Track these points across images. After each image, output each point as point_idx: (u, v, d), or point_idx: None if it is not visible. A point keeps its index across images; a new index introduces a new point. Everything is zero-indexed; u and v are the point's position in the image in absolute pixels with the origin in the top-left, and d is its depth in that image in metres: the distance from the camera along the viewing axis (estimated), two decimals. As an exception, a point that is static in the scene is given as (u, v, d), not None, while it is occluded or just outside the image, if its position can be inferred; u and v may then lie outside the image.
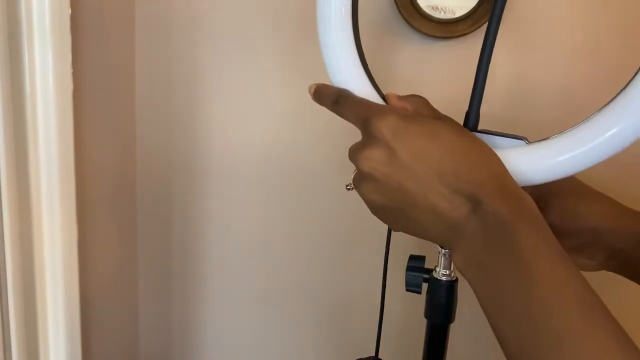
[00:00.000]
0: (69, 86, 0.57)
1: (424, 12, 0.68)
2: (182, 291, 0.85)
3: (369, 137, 0.38)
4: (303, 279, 0.83)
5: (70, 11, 0.55)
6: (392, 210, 0.38)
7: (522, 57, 0.71)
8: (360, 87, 0.45)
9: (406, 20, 0.69)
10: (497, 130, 0.42)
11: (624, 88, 0.37)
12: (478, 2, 0.67)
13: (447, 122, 0.39)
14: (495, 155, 0.37)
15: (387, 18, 0.72)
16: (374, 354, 0.58)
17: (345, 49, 0.46)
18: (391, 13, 0.71)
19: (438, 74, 0.72)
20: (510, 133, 0.42)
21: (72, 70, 0.56)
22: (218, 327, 0.86)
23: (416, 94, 0.44)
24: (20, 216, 0.56)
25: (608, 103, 0.38)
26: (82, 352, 0.64)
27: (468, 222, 0.35)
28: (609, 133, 0.36)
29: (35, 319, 0.60)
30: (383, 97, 0.45)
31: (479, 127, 0.43)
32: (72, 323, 0.60)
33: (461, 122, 0.43)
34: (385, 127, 0.37)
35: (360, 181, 0.39)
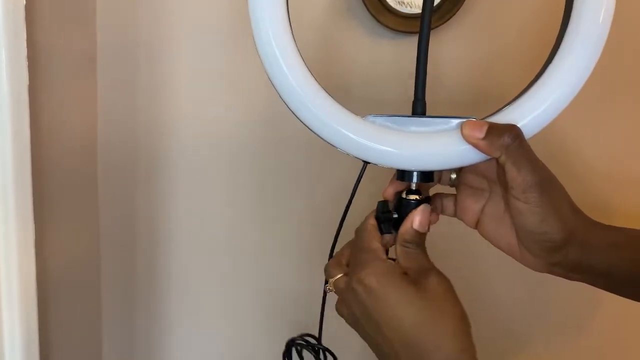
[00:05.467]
0: (25, 80, 0.55)
1: (391, 7, 0.68)
2: (147, 291, 0.83)
3: (350, 284, 0.44)
4: (277, 282, 0.82)
5: (24, 1, 0.53)
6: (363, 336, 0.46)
7: (480, 45, 0.72)
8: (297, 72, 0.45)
9: (373, 15, 0.69)
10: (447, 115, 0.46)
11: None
12: (444, -3, 0.67)
13: (416, 290, 0.43)
14: (458, 322, 0.42)
15: (354, 13, 0.71)
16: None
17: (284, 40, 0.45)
18: (357, 8, 0.71)
19: (405, 69, 0.73)
20: (459, 115, 0.45)
21: (27, 63, 0.54)
22: (185, 332, 0.84)
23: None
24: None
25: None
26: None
27: None
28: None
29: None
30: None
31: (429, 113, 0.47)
32: (28, 325, 0.58)
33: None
34: (360, 285, 0.43)
35: (341, 309, 0.47)
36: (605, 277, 0.46)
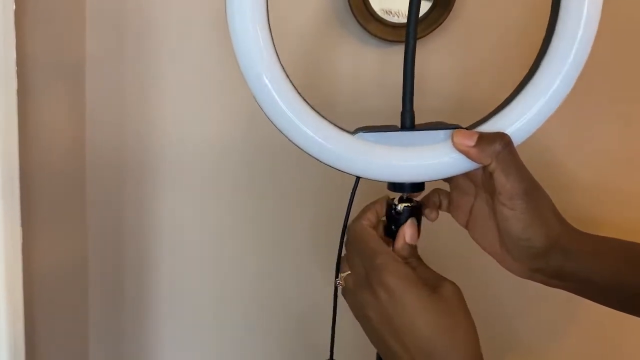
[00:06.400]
0: (13, 85, 0.55)
1: (378, 16, 0.69)
2: (135, 294, 0.82)
3: (371, 284, 0.42)
4: (267, 283, 0.82)
5: (14, 7, 0.53)
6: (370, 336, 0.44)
7: (466, 54, 0.74)
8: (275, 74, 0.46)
9: (360, 24, 0.70)
10: (435, 122, 0.47)
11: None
12: (430, 7, 0.69)
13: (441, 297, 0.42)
14: (472, 333, 0.42)
15: (342, 22, 0.72)
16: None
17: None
18: (346, 17, 0.72)
19: (392, 77, 0.74)
20: (447, 124, 0.46)
21: (16, 68, 0.54)
22: (173, 334, 0.84)
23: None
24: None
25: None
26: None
27: None
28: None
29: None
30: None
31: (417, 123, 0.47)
32: (14, 328, 0.57)
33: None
34: (382, 288, 0.41)
35: (355, 308, 0.45)
36: (587, 285, 0.47)
